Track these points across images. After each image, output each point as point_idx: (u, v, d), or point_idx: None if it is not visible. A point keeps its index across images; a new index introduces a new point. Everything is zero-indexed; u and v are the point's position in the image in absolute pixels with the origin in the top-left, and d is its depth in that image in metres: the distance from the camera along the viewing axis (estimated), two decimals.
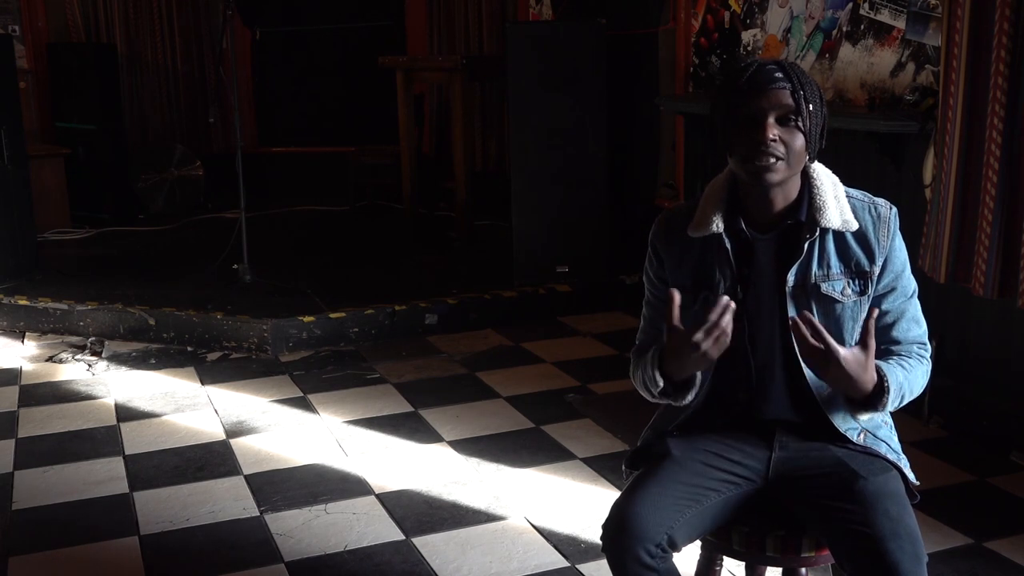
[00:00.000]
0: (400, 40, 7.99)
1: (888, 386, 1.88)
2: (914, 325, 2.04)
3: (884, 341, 2.03)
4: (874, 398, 1.89)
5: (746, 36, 5.08)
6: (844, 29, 4.43)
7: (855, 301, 2.00)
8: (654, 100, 5.76)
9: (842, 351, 1.83)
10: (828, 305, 1.99)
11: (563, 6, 6.79)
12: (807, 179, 2.01)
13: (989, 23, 3.39)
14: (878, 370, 1.89)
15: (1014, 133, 3.38)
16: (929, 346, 2.07)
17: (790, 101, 1.89)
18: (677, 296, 1.90)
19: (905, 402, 1.98)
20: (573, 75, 5.42)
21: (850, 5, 4.38)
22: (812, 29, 4.62)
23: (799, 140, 1.91)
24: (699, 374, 1.98)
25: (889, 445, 2.05)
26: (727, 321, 1.85)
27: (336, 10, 8.29)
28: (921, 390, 2.02)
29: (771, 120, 1.89)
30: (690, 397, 2.01)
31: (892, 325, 2.03)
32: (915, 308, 2.05)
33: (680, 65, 5.62)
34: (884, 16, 4.21)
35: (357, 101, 8.21)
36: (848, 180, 2.07)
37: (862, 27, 4.33)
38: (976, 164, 3.49)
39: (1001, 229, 3.43)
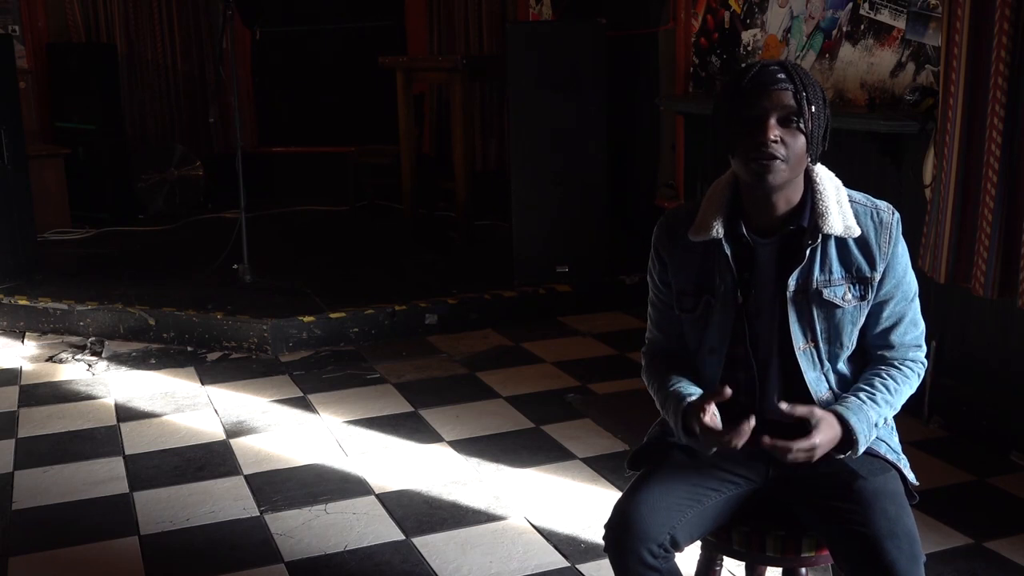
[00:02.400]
0: (400, 40, 7.99)
1: (856, 439, 1.90)
2: (912, 327, 2.05)
3: (880, 346, 2.04)
4: (844, 446, 1.92)
5: (746, 36, 5.08)
6: (844, 29, 4.43)
7: (855, 306, 2.00)
8: (654, 100, 5.77)
9: (817, 440, 1.86)
10: (829, 310, 2.00)
11: (563, 6, 6.78)
12: (810, 183, 2.00)
13: (989, 23, 3.39)
14: (844, 423, 1.90)
15: (1014, 133, 3.37)
16: (925, 347, 2.08)
17: (792, 102, 1.88)
18: (712, 415, 1.90)
19: (889, 419, 2.02)
20: (573, 75, 5.42)
21: (850, 5, 4.38)
22: (812, 29, 4.62)
23: (800, 141, 1.90)
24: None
25: (889, 445, 2.05)
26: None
27: (336, 10, 8.30)
28: (906, 399, 2.03)
29: (773, 121, 1.88)
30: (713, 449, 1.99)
31: (891, 329, 2.03)
32: (915, 310, 2.05)
33: (680, 65, 5.62)
34: (884, 16, 4.21)
35: (357, 101, 8.21)
36: (848, 180, 2.07)
37: (862, 27, 4.33)
38: (976, 164, 3.49)
39: (1001, 229, 3.43)
